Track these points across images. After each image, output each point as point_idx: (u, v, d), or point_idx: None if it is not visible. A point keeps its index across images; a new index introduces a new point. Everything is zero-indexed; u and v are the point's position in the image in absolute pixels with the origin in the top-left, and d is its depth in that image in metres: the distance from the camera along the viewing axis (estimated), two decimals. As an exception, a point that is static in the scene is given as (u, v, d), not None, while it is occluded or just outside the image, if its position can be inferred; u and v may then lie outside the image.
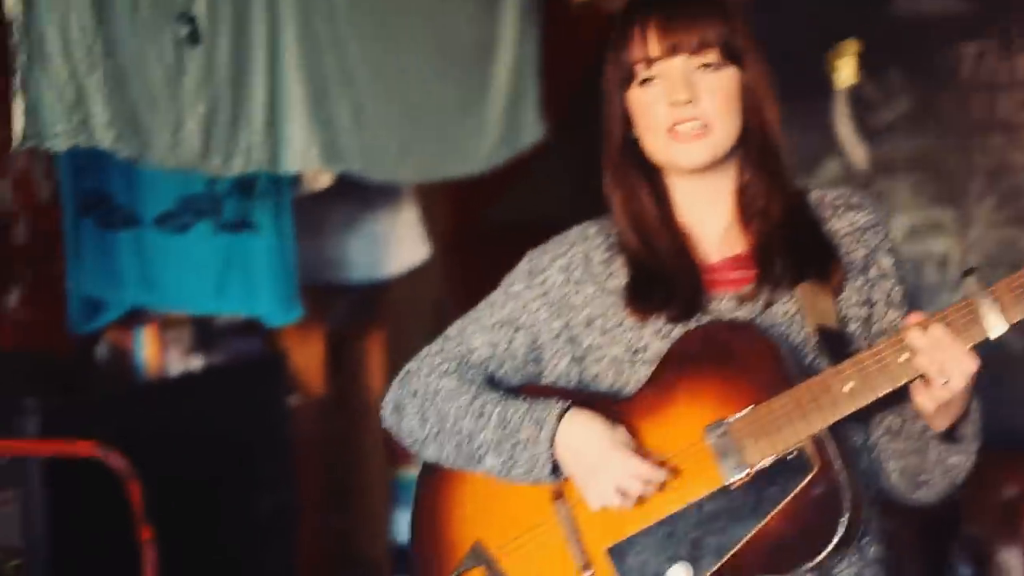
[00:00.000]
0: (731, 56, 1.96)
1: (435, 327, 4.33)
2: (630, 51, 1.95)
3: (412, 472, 3.92)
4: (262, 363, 3.29)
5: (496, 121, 3.53)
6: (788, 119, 5.34)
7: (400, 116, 3.10)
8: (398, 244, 3.46)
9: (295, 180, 2.95)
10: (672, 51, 1.93)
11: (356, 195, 3.34)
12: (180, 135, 2.44)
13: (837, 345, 1.92)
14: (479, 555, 2.01)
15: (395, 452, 3.84)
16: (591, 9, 4.23)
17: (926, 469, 1.93)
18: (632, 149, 2.01)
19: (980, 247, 4.86)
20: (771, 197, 1.98)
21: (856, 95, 5.11)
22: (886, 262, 2.02)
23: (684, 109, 1.93)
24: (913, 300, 2.02)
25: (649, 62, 1.94)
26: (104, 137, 2.38)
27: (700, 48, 1.94)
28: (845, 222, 2.02)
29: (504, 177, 3.85)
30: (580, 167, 5.43)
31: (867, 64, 5.07)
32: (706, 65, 1.94)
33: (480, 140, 3.47)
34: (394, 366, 4.06)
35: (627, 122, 2.00)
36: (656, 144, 1.97)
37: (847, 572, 1.93)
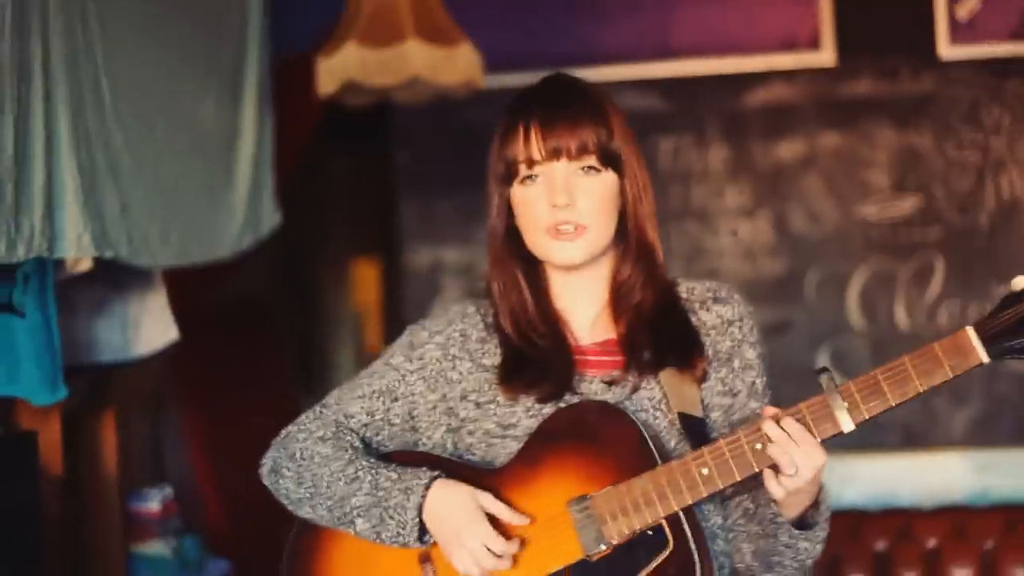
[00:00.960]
0: (609, 161, 2.04)
1: (157, 405, 4.36)
2: (513, 149, 2.03)
3: (146, 548, 3.96)
4: (11, 440, 3.30)
5: (240, 208, 3.66)
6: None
7: (159, 204, 3.19)
8: (149, 326, 3.53)
9: (57, 264, 3.02)
10: (553, 155, 2.01)
11: (107, 278, 3.41)
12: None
13: (699, 431, 2.02)
14: None
15: (131, 528, 3.86)
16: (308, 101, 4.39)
17: (777, 551, 2.00)
18: (513, 239, 2.09)
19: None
20: (645, 291, 2.06)
21: None
22: (750, 354, 2.11)
23: (563, 211, 2.00)
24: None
25: (531, 163, 2.02)
26: None
27: (580, 153, 2.01)
28: (713, 315, 2.11)
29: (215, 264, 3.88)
30: (286, 250, 5.53)
31: None
32: (586, 168, 2.02)
33: (228, 226, 3.59)
34: (122, 446, 4.09)
35: (509, 214, 2.08)
36: (535, 240, 2.05)
37: None
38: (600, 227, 2.03)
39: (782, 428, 1.86)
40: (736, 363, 2.08)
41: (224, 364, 4.84)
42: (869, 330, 5.01)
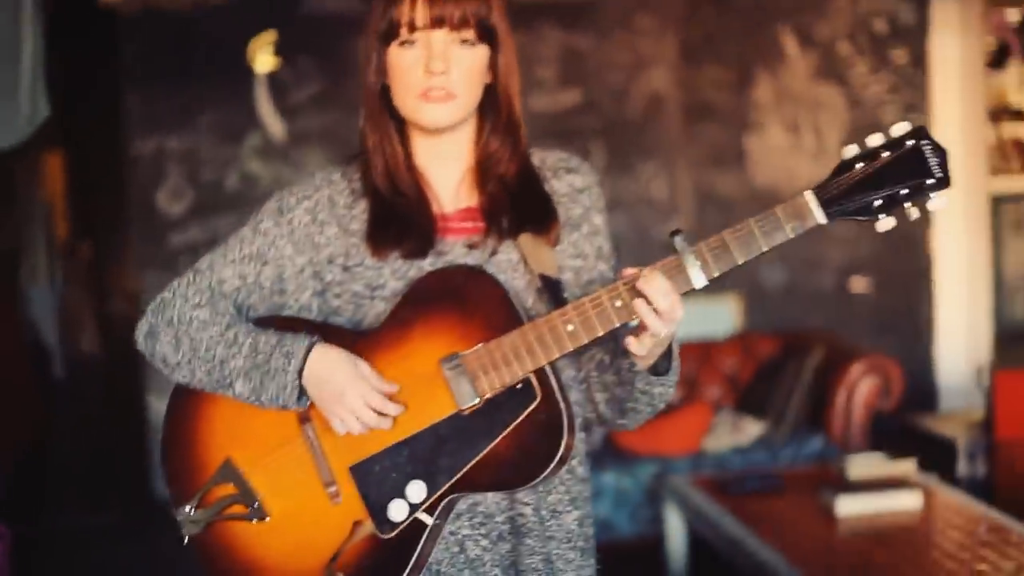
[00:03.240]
0: (485, 36, 2.07)
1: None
2: (398, 11, 2.04)
3: None
4: None
5: (25, 102, 4.13)
6: (215, 100, 6.39)
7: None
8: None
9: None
10: (436, 23, 2.03)
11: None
12: None
13: (554, 290, 2.09)
14: (229, 471, 2.11)
15: None
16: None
17: (633, 398, 2.10)
18: (385, 97, 2.10)
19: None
20: (510, 162, 2.14)
21: (273, 79, 5.93)
22: (598, 220, 2.20)
23: (437, 78, 2.03)
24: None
25: (412, 27, 2.03)
26: None
27: (460, 25, 2.04)
28: (564, 183, 2.18)
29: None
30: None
31: (283, 52, 5.90)
32: (463, 41, 2.05)
33: (15, 119, 4.06)
34: None
35: (383, 73, 2.08)
36: (406, 102, 2.06)
37: (562, 488, 2.12)
38: (468, 96, 2.08)
39: (650, 284, 1.94)
40: (585, 228, 2.18)
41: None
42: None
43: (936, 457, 5.12)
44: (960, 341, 6.23)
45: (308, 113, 5.96)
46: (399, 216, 2.11)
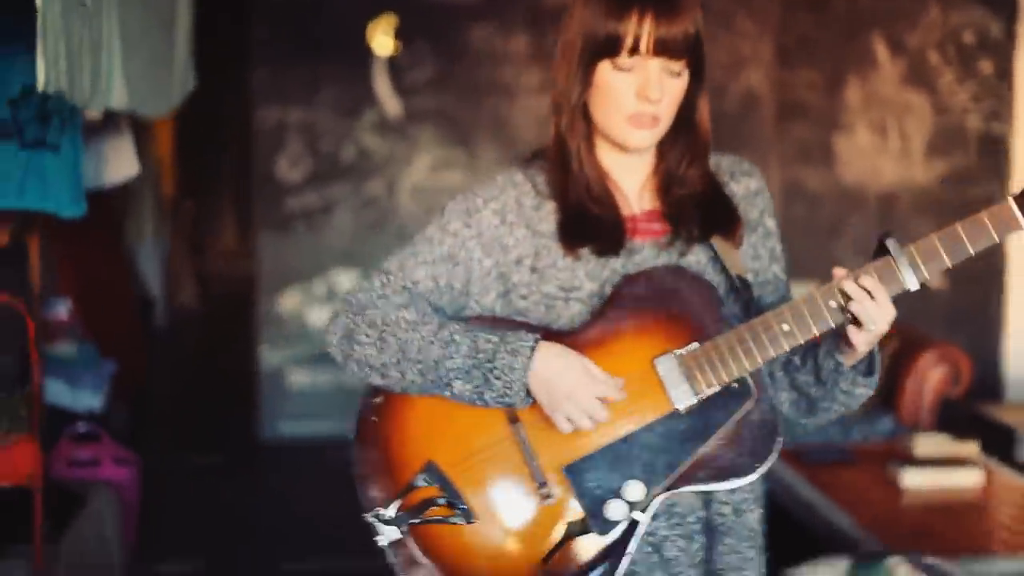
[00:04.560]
0: (694, 68, 2.08)
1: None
2: (622, 27, 2.01)
3: (57, 350, 4.74)
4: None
5: (178, 73, 4.55)
6: (335, 77, 6.77)
7: (144, 69, 4.06)
8: (115, 161, 4.38)
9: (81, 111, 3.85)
10: (657, 52, 2.01)
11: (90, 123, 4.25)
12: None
13: (744, 290, 2.10)
14: (433, 473, 2.06)
15: (46, 331, 4.59)
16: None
17: (831, 398, 2.11)
18: (584, 107, 2.10)
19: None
20: (695, 168, 2.13)
21: (392, 61, 6.33)
22: (771, 223, 2.21)
23: (650, 105, 2.04)
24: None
25: (634, 52, 2.01)
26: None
27: (678, 56, 2.03)
28: (741, 187, 2.19)
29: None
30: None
31: (401, 36, 6.29)
32: (674, 72, 2.05)
33: (169, 88, 4.47)
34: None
35: (588, 86, 2.07)
36: (613, 122, 2.07)
37: (747, 487, 2.13)
38: (668, 122, 2.08)
39: (862, 285, 1.97)
40: (760, 231, 2.19)
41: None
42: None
43: (998, 443, 5.42)
44: (1030, 338, 6.52)
45: (422, 94, 6.36)
46: (591, 216, 2.10)
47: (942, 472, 4.44)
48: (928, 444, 4.62)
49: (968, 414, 5.89)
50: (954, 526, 4.08)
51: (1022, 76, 6.45)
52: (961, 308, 6.43)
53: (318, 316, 6.30)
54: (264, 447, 6.34)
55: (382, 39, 6.32)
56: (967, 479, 4.43)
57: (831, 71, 6.46)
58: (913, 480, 4.41)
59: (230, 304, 7.28)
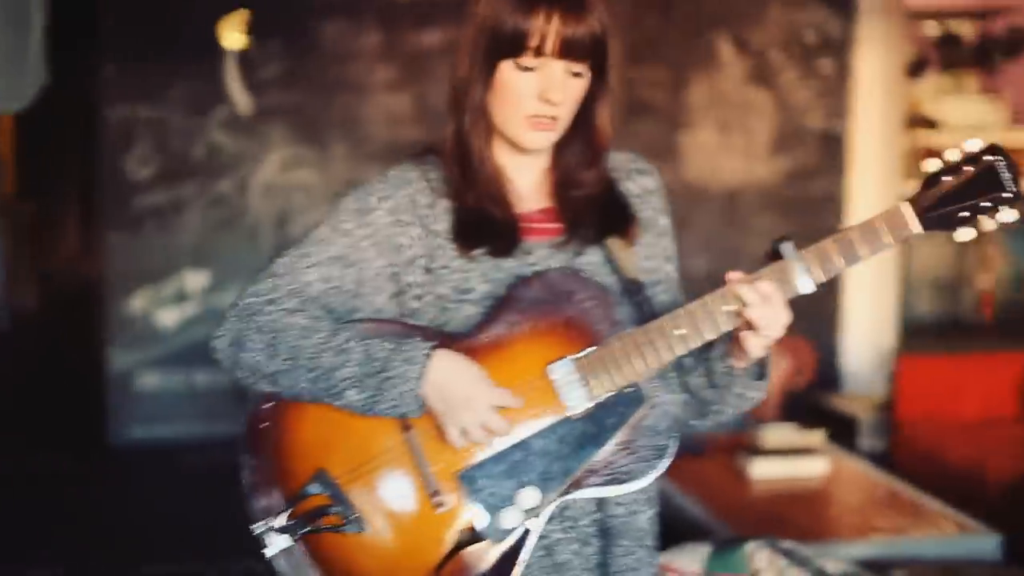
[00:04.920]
0: (597, 70, 2.04)
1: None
2: (526, 25, 1.97)
3: None
4: None
5: (33, 69, 4.48)
6: (185, 74, 6.67)
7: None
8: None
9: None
10: (562, 54, 1.98)
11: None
12: None
13: (637, 292, 2.09)
14: (324, 482, 2.02)
15: None
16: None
17: (723, 401, 2.09)
18: (484, 106, 2.05)
19: (335, 178, 6.22)
20: (591, 169, 2.10)
21: (243, 57, 6.24)
22: (664, 221, 2.19)
23: (550, 107, 2.01)
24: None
25: (539, 53, 1.98)
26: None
27: (582, 59, 2.00)
28: (636, 185, 2.17)
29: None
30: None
31: (253, 32, 6.21)
32: (575, 73, 2.02)
33: (24, 84, 4.41)
34: None
35: (488, 84, 2.03)
36: (511, 122, 2.04)
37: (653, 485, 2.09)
38: (567, 122, 2.06)
39: (758, 291, 1.97)
40: (655, 230, 2.18)
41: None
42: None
43: (841, 432, 5.61)
44: (868, 331, 6.71)
45: (274, 90, 6.29)
46: (486, 216, 2.07)
47: (789, 461, 4.59)
48: (775, 434, 4.77)
49: (811, 405, 6.08)
50: (802, 512, 4.23)
51: (860, 75, 6.66)
52: (802, 302, 6.57)
53: (168, 317, 6.21)
54: (114, 451, 6.24)
55: (233, 35, 6.25)
56: (813, 468, 4.59)
57: (677, 69, 6.58)
58: (762, 470, 4.55)
59: (76, 305, 7.14)
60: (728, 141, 6.61)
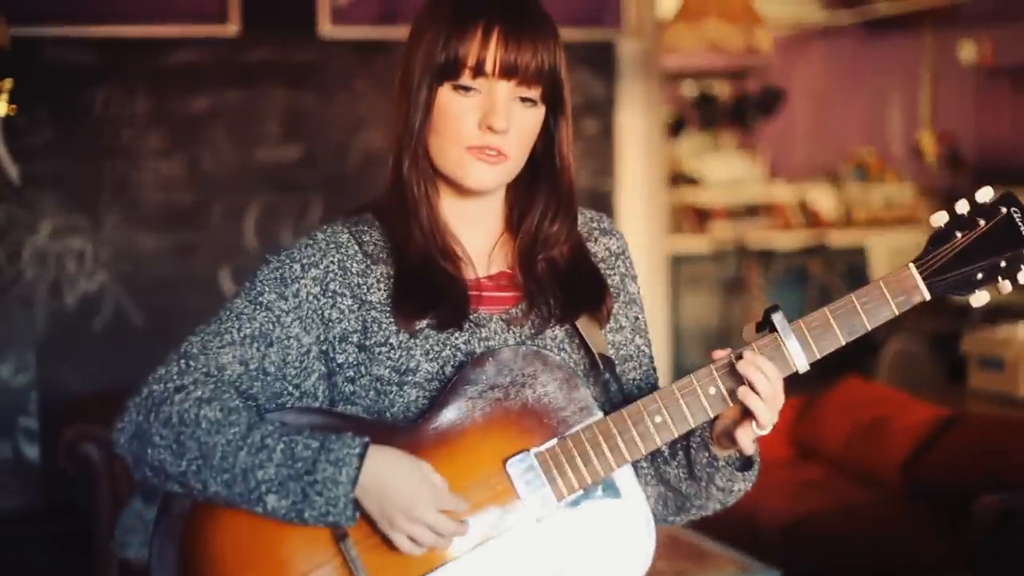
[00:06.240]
0: (549, 97, 1.82)
1: None
2: (465, 47, 1.76)
3: None
4: None
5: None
6: None
7: None
8: None
9: None
10: (506, 74, 1.76)
11: None
12: None
13: (607, 368, 1.85)
14: None
15: None
16: None
17: (705, 494, 1.85)
18: (425, 146, 1.82)
19: (109, 244, 6.15)
20: (565, 243, 1.87)
21: (8, 123, 6.00)
22: (633, 288, 1.95)
23: (495, 137, 1.77)
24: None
25: (478, 73, 1.76)
26: None
27: (531, 81, 1.78)
28: (601, 247, 1.94)
29: None
30: None
31: (18, 99, 5.88)
32: (524, 99, 1.79)
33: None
34: None
35: (427, 114, 1.81)
36: (450, 154, 1.80)
37: None
38: (519, 160, 1.81)
39: (761, 370, 1.71)
40: (623, 297, 1.94)
41: None
42: (263, 251, 6.23)
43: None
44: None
45: (42, 157, 6.20)
46: (429, 281, 1.82)
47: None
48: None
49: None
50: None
51: (622, 134, 6.90)
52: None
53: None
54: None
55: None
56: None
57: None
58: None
59: None
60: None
